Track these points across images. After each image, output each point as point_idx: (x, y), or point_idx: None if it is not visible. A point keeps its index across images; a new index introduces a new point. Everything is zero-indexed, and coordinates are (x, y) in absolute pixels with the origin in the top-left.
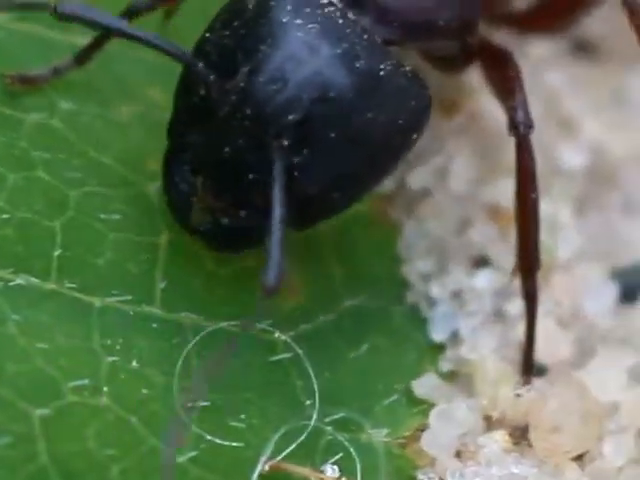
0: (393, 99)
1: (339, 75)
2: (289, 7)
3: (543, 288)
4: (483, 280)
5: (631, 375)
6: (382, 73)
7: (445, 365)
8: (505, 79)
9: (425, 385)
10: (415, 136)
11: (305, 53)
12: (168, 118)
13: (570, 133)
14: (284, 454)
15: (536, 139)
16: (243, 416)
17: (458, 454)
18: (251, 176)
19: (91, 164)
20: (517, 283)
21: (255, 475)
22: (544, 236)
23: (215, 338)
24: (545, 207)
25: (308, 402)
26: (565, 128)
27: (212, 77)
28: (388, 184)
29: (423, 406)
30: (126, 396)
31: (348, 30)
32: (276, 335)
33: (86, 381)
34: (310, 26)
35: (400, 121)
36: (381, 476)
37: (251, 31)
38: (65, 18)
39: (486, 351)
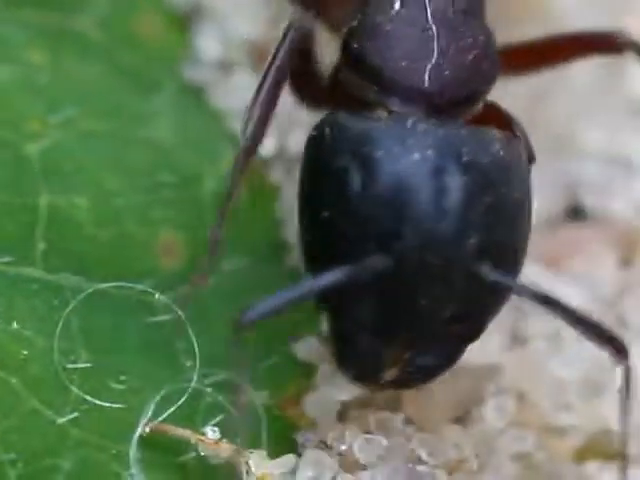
0: (520, 165)
1: (480, 176)
2: (395, 149)
3: None
4: None
5: (512, 337)
6: (498, 150)
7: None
8: (500, 113)
9: (306, 347)
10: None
11: (441, 180)
12: (49, 80)
13: None
14: (164, 416)
15: None
16: (123, 377)
17: (341, 417)
18: (444, 313)
19: None
20: None
21: (135, 437)
22: None
23: (95, 299)
24: None
25: (188, 364)
26: None
27: (376, 262)
28: (267, 148)
29: (305, 368)
30: (6, 357)
31: (445, 131)
32: (156, 297)
33: None
34: (423, 152)
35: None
36: (262, 437)
37: (375, 192)
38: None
39: None
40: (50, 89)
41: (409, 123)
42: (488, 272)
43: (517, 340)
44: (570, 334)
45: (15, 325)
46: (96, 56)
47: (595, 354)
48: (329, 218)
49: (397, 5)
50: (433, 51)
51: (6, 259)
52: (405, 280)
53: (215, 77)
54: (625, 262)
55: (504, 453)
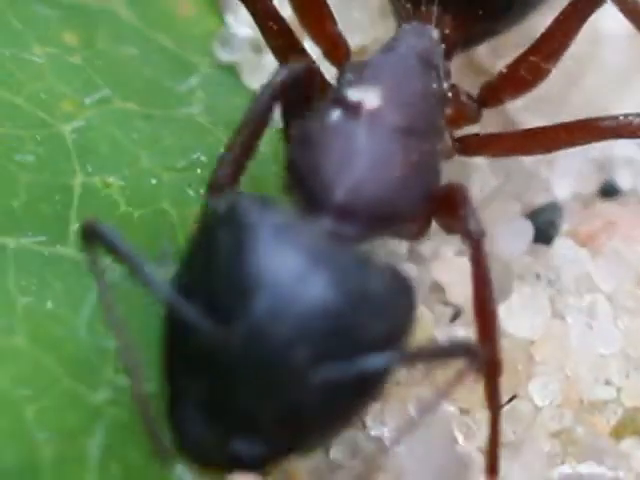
0: (383, 301)
1: (331, 296)
2: (263, 239)
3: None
4: None
5: (552, 313)
6: (368, 280)
7: None
8: (449, 194)
9: None
10: (410, 325)
11: (293, 285)
12: (83, 61)
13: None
14: None
15: None
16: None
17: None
18: (271, 407)
19: (4, 105)
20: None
21: None
22: (457, 176)
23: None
24: None
25: None
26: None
27: (209, 327)
28: None
29: None
30: (41, 336)
31: (323, 245)
32: None
33: (1, 321)
34: (288, 253)
35: (396, 317)
36: None
37: (234, 273)
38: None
39: None
40: (84, 70)
41: (294, 227)
42: (316, 378)
43: (556, 315)
44: (605, 310)
45: (49, 304)
46: (130, 37)
47: (631, 330)
48: (201, 267)
49: (334, 116)
50: (356, 166)
51: (40, 238)
52: (229, 362)
53: (248, 57)
54: None
55: (543, 430)
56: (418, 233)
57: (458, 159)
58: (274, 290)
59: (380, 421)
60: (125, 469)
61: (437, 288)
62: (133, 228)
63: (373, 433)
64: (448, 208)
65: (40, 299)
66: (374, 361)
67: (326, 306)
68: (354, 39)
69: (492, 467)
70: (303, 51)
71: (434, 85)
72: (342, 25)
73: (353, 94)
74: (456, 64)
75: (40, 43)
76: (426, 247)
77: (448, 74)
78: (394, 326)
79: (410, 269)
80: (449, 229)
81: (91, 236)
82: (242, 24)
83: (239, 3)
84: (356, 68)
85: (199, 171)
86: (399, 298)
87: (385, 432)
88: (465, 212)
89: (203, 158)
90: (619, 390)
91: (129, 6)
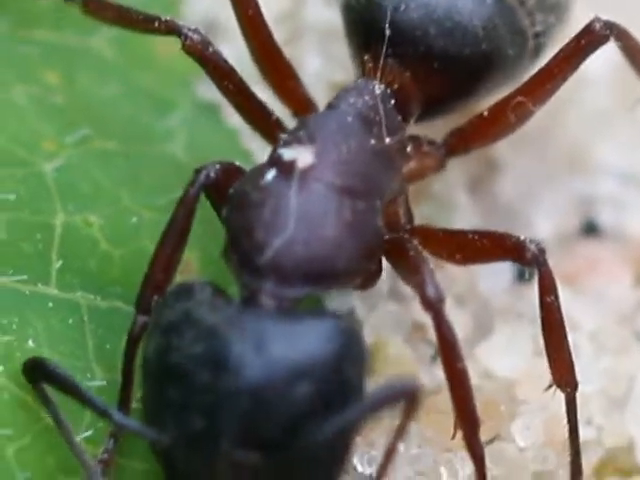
0: (337, 358)
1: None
2: (188, 337)
3: (439, 267)
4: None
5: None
6: (302, 348)
7: None
8: (408, 260)
9: None
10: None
11: (221, 377)
12: (64, 100)
13: None
14: None
15: None
16: (138, 395)
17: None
18: None
19: None
20: None
21: None
22: (437, 214)
23: (110, 318)
24: (439, 187)
25: None
26: None
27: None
28: None
29: None
30: (21, 375)
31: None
32: None
33: None
34: (212, 344)
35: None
36: None
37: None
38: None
39: (385, 332)
40: (65, 109)
41: (218, 308)
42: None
43: (538, 354)
44: (586, 349)
45: (30, 343)
46: (111, 75)
47: (612, 369)
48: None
49: (268, 177)
50: (286, 226)
51: (22, 277)
52: (178, 466)
53: None
54: None
55: (526, 471)
56: (366, 284)
57: (438, 195)
58: (188, 389)
59: (367, 460)
60: None
61: (418, 327)
62: (114, 267)
63: (366, 472)
64: (405, 265)
65: (21, 338)
66: (310, 436)
67: (265, 394)
68: (335, 76)
69: None
70: (262, 107)
71: (373, 141)
72: (323, 62)
73: (287, 153)
74: None
75: (21, 82)
76: (407, 286)
77: (399, 129)
78: (342, 386)
79: (391, 308)
80: (407, 283)
81: (36, 374)
82: None
83: (221, 41)
84: (294, 128)
85: None
86: (346, 358)
87: (374, 471)
88: (423, 279)
89: None
90: (600, 430)
91: (110, 44)
